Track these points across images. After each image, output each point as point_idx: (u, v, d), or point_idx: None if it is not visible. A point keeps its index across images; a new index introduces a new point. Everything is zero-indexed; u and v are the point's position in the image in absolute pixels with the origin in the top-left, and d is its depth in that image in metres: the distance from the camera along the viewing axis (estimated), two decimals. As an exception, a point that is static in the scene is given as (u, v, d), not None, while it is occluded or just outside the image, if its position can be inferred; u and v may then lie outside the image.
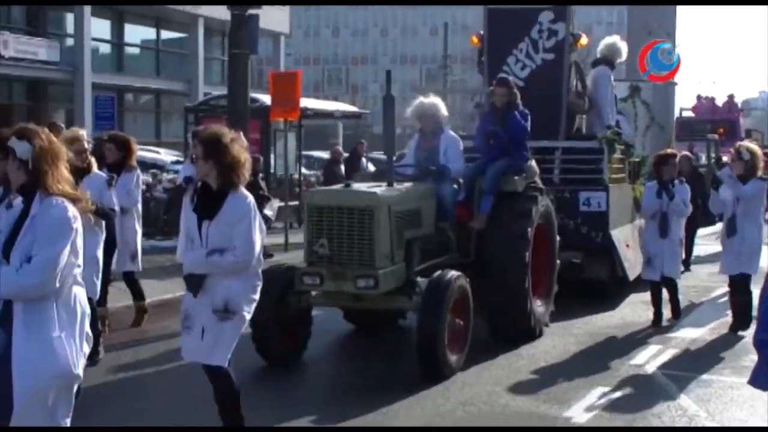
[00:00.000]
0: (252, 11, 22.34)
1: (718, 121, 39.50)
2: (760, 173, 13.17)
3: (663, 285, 13.90)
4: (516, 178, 13.03)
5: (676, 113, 38.36)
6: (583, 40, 16.49)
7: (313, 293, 11.70)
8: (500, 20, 16.58)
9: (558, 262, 14.05)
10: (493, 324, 12.92)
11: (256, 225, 7.78)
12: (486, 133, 13.42)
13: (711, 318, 14.86)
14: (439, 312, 10.70)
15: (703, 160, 28.43)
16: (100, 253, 10.77)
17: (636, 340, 13.34)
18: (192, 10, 45.20)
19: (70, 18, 42.81)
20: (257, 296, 8.05)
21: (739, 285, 13.47)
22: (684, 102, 48.36)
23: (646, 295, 14.61)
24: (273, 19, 46.46)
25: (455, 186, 12.73)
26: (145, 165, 29.05)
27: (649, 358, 12.11)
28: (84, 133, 12.06)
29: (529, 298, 12.81)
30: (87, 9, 41.58)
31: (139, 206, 13.72)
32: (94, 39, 43.13)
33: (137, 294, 13.94)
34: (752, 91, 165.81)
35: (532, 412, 9.83)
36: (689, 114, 42.63)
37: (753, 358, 5.77)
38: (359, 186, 11.96)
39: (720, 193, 13.44)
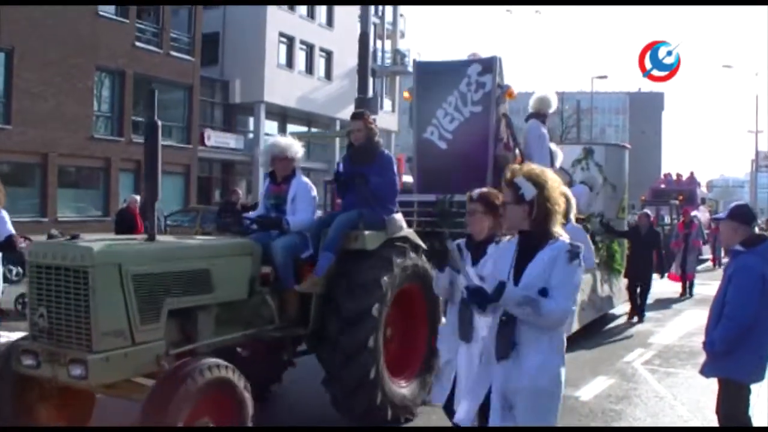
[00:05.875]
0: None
1: (681, 191, 32.41)
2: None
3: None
4: (367, 233, 6.40)
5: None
6: (512, 91, 9.63)
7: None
8: (430, 73, 9.93)
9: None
10: (334, 402, 6.39)
11: None
12: (339, 179, 6.86)
13: (680, 330, 13.00)
14: (163, 415, 4.48)
15: (667, 220, 25.59)
16: None
17: (624, 346, 11.45)
18: (331, 114, 40.99)
19: (251, 120, 38.44)
20: None
21: None
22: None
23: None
24: (385, 121, 41.55)
25: (296, 240, 6.27)
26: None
27: (636, 357, 10.64)
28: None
29: (382, 387, 6.30)
30: (263, 113, 37.27)
31: None
32: (266, 134, 38.00)
33: None
34: (715, 174, 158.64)
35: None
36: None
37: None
38: (88, 238, 5.52)
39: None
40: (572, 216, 7.06)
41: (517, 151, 9.67)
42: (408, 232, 6.92)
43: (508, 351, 3.81)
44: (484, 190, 5.04)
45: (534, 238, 3.86)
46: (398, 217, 6.86)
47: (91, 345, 4.73)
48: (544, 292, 3.71)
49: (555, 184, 3.88)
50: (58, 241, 5.62)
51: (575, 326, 10.71)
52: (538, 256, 3.80)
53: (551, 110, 10.29)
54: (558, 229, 3.87)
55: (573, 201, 6.99)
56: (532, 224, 3.85)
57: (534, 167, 3.95)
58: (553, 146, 10.73)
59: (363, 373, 6.14)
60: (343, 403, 6.30)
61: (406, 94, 10.13)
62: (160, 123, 5.26)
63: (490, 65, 9.38)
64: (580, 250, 3.77)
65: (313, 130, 41.31)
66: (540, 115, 10.14)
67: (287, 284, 6.16)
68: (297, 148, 6.71)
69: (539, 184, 3.82)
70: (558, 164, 10.87)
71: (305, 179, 6.75)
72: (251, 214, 6.76)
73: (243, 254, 5.94)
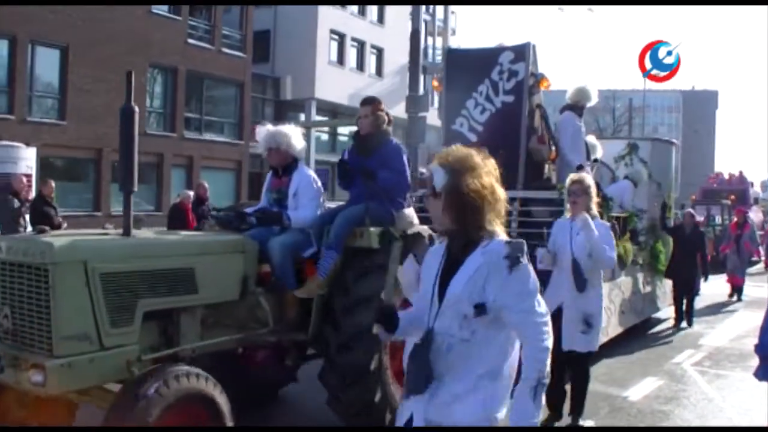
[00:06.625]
0: (421, 114, 18.03)
1: (732, 190, 31.06)
2: None
3: None
4: (372, 229, 5.72)
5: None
6: (547, 81, 8.88)
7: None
8: (460, 61, 9.18)
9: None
10: (330, 399, 5.76)
11: None
12: (342, 171, 6.16)
13: (730, 331, 12.48)
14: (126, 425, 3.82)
15: (718, 220, 24.43)
16: None
17: (674, 347, 11.04)
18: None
19: (302, 116, 37.57)
20: None
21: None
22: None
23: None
24: (436, 117, 40.66)
25: (297, 238, 5.64)
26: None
27: (685, 358, 10.20)
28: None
29: (383, 384, 5.61)
30: (314, 110, 36.77)
31: None
32: (318, 130, 37.90)
33: None
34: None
35: (599, 392, 7.77)
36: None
37: (756, 360, 4.67)
38: (58, 232, 4.99)
39: None
40: (593, 206, 6.31)
41: (552, 145, 8.92)
42: (421, 228, 6.23)
43: (422, 384, 2.93)
44: None
45: (459, 240, 3.01)
46: (409, 211, 6.19)
47: (51, 349, 4.20)
48: (481, 308, 2.86)
49: (481, 171, 2.97)
50: (22, 236, 5.14)
51: (618, 329, 9.95)
52: (466, 262, 2.95)
53: (590, 103, 9.34)
54: (493, 227, 2.99)
55: (593, 192, 6.27)
56: (451, 221, 3.01)
57: (458, 149, 3.05)
58: (590, 139, 9.95)
59: (363, 360, 5.49)
60: (339, 395, 5.64)
61: (435, 84, 9.46)
62: (136, 109, 4.68)
63: (522, 52, 8.64)
64: (520, 253, 2.90)
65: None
66: (577, 107, 9.22)
67: (285, 285, 5.56)
68: (289, 139, 6.02)
69: (454, 171, 2.95)
70: (597, 158, 10.11)
71: (308, 171, 6.12)
72: (251, 208, 6.17)
73: (234, 251, 5.34)
